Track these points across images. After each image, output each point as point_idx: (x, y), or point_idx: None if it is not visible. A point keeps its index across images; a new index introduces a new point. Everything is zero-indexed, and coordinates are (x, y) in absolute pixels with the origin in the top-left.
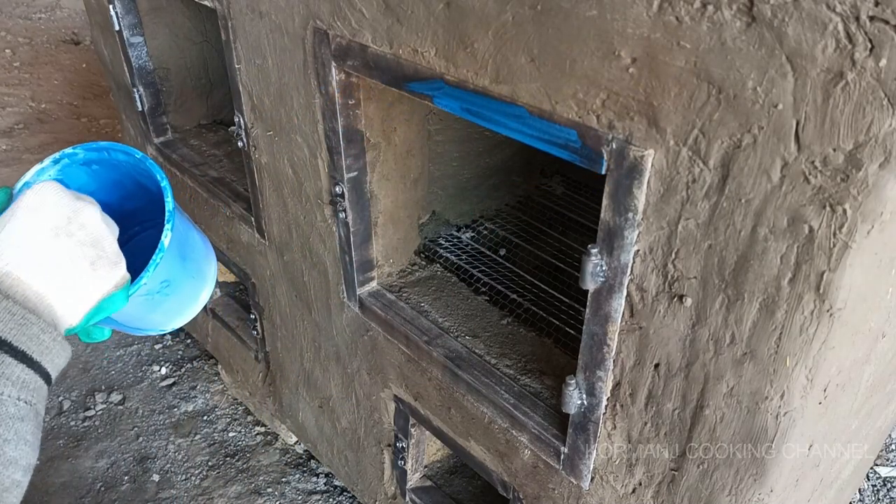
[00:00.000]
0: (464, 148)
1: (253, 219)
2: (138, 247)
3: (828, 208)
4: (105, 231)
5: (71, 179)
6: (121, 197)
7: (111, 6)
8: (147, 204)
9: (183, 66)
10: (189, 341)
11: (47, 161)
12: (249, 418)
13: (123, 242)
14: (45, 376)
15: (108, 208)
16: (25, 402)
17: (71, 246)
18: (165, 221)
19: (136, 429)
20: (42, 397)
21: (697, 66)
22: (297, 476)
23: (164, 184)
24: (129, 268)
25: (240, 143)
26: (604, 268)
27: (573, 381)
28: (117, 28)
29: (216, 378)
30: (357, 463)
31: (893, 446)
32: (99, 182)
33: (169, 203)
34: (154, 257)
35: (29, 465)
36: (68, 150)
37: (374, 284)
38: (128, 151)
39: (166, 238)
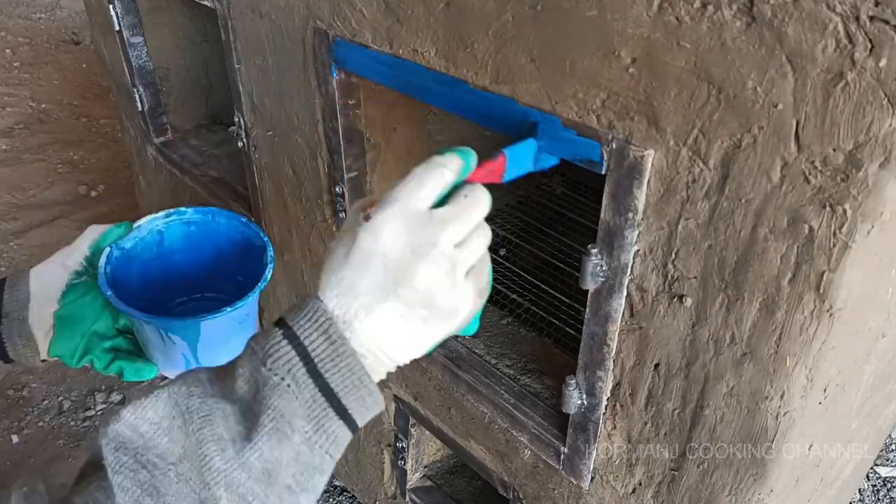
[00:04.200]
0: None
1: (253, 219)
2: (178, 313)
3: (828, 208)
4: (439, 286)
5: (170, 232)
6: (193, 261)
7: (111, 6)
8: (213, 274)
9: (183, 66)
10: None
11: (160, 214)
12: None
13: (171, 306)
14: (353, 432)
15: (178, 268)
16: (330, 457)
17: (402, 307)
18: (269, 262)
19: None
20: (340, 454)
21: (697, 66)
22: None
23: (265, 238)
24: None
25: (240, 143)
26: (604, 268)
27: (573, 381)
28: (117, 28)
29: None
30: (357, 463)
31: (893, 446)
32: (187, 243)
33: (270, 249)
34: (260, 284)
35: None
36: (181, 209)
37: None
38: (231, 216)
39: (269, 273)
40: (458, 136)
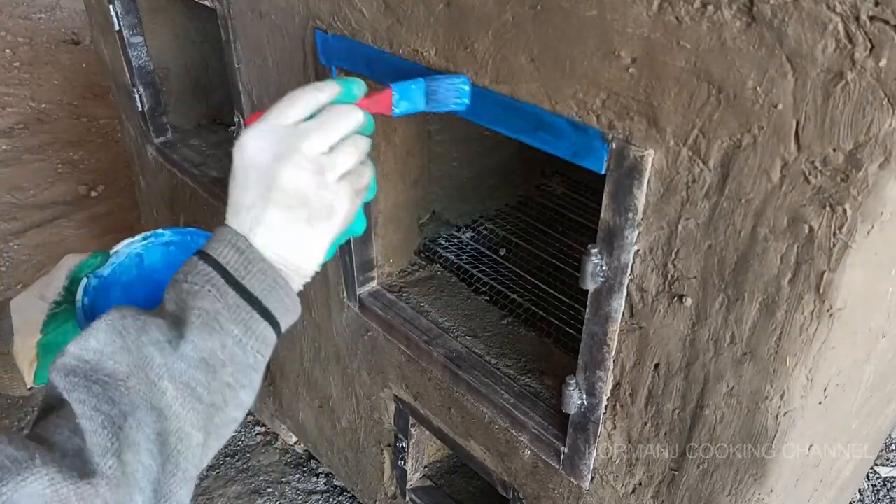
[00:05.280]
0: (464, 148)
1: None
2: None
3: (828, 208)
4: (307, 186)
5: (149, 254)
6: None
7: (111, 6)
8: None
9: (183, 66)
10: None
11: (138, 237)
12: (249, 418)
13: None
14: (278, 334)
15: (161, 287)
16: (262, 356)
17: (282, 212)
18: None
19: None
20: (270, 352)
21: (697, 66)
22: (297, 476)
23: None
24: None
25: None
26: (604, 268)
27: (573, 381)
28: (117, 28)
29: None
30: (357, 463)
31: (893, 446)
32: (167, 261)
33: None
34: None
35: (248, 406)
36: (158, 230)
37: (374, 284)
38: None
39: None
40: (458, 135)
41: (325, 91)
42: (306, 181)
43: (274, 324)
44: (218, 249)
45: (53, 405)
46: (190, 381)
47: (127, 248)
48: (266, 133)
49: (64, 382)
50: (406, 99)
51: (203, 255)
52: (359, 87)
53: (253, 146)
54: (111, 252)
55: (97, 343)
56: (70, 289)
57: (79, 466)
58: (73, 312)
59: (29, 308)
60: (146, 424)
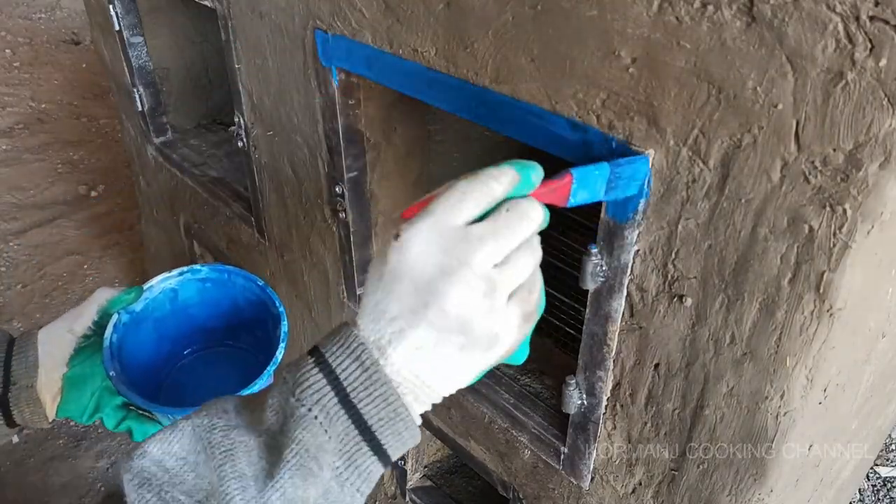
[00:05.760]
0: (464, 148)
1: (253, 219)
2: (188, 365)
3: (828, 208)
4: (472, 310)
5: (184, 289)
6: (210, 315)
7: (111, 6)
8: (230, 326)
9: (183, 66)
10: None
11: (174, 272)
12: None
13: (185, 354)
14: (387, 466)
15: (194, 321)
16: (361, 494)
17: (430, 336)
18: (281, 339)
19: None
20: (371, 488)
21: (697, 66)
22: None
23: (282, 309)
24: (173, 383)
25: (240, 143)
26: (604, 268)
27: (573, 381)
28: (117, 28)
29: None
30: None
31: (893, 446)
32: (203, 298)
33: (285, 325)
34: (269, 367)
35: None
36: (195, 266)
37: None
38: (248, 277)
39: (280, 354)
40: (458, 135)
41: (502, 182)
42: (474, 306)
43: (383, 457)
44: (339, 357)
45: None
46: None
47: (161, 283)
48: (433, 237)
49: (135, 495)
50: (584, 188)
51: (319, 359)
52: (537, 173)
53: (417, 251)
54: (145, 287)
55: (181, 450)
56: (100, 322)
57: None
58: (101, 347)
59: (56, 340)
60: None
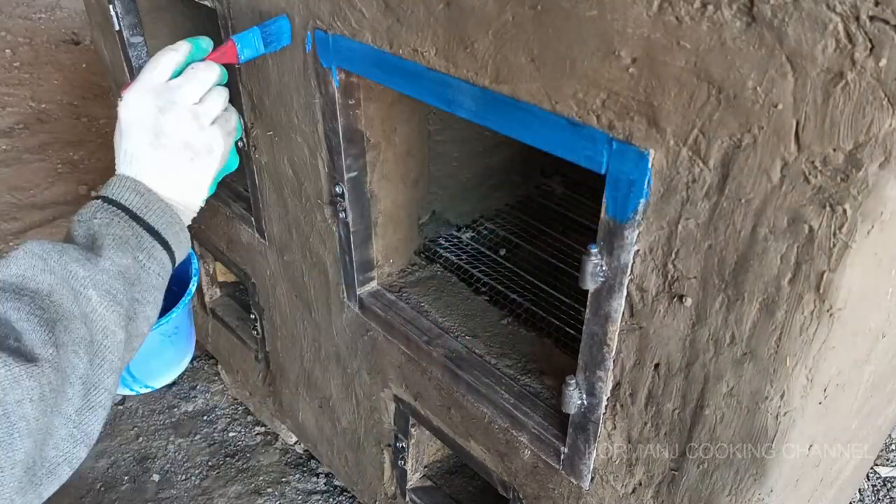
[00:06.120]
0: (464, 148)
1: (253, 219)
2: None
3: (828, 208)
4: (188, 131)
5: None
6: None
7: (111, 6)
8: None
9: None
10: None
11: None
12: (249, 418)
13: None
14: (173, 262)
15: None
16: (162, 278)
17: (168, 156)
18: (193, 274)
19: (135, 429)
20: (168, 276)
21: (697, 66)
22: (297, 476)
23: (190, 249)
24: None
25: (240, 143)
26: (604, 268)
27: (573, 381)
28: (117, 28)
29: (216, 378)
30: (357, 463)
31: (893, 446)
32: None
33: (195, 261)
34: (184, 298)
35: (152, 323)
36: None
37: (374, 284)
38: None
39: (193, 286)
40: (458, 135)
41: (180, 50)
42: (187, 126)
43: (170, 253)
44: (119, 193)
45: None
46: (111, 289)
47: None
48: (145, 91)
49: None
50: (248, 46)
51: (105, 199)
52: (206, 42)
53: (137, 103)
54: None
55: (17, 269)
56: None
57: (25, 353)
58: None
59: None
60: (73, 330)
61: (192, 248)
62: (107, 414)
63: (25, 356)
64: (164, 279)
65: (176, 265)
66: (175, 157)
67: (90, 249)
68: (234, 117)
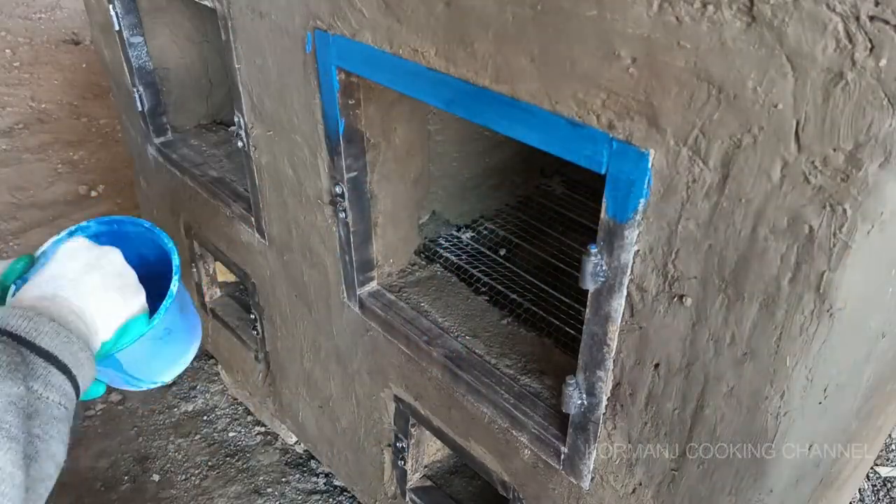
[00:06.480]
0: (464, 148)
1: (253, 219)
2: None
3: (828, 208)
4: (127, 267)
5: None
6: None
7: (111, 6)
8: (143, 276)
9: (183, 66)
10: None
11: (63, 233)
12: (249, 418)
13: None
14: (77, 388)
15: None
16: (65, 408)
17: (101, 276)
18: (174, 273)
19: (135, 429)
20: (73, 406)
21: (697, 66)
22: (297, 476)
23: (171, 245)
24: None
25: (240, 143)
26: (604, 268)
27: (573, 381)
28: (117, 28)
29: (216, 378)
30: (357, 463)
31: (893, 446)
32: None
33: (176, 259)
34: (165, 302)
35: (60, 463)
36: (82, 224)
37: (374, 284)
38: (136, 223)
39: (174, 287)
40: (458, 135)
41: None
42: (125, 266)
43: (71, 378)
44: (4, 320)
45: None
46: (2, 425)
47: (52, 246)
48: (88, 245)
49: None
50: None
51: None
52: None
53: (81, 249)
54: (36, 254)
55: None
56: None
57: None
58: None
59: None
60: None
61: (193, 247)
62: None
63: None
64: (68, 409)
65: (81, 391)
66: (107, 280)
67: None
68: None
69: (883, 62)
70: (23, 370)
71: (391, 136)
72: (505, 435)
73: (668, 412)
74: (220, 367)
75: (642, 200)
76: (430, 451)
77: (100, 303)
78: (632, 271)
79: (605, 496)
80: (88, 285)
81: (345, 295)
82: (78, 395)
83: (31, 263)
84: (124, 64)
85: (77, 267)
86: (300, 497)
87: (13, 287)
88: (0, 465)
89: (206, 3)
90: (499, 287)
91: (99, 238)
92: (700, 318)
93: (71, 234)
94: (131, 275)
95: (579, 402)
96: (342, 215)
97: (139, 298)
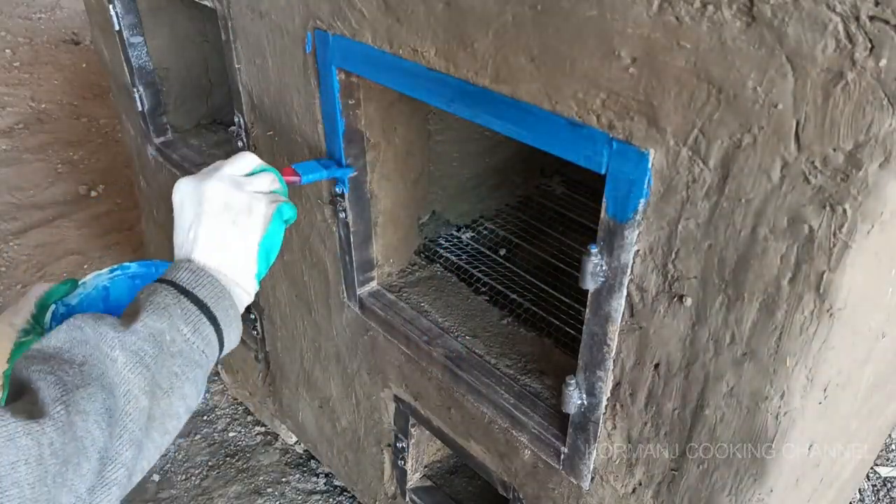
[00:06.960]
0: (464, 148)
1: None
2: None
3: (828, 208)
4: (228, 196)
5: (115, 287)
6: None
7: (111, 6)
8: None
9: (183, 66)
10: None
11: (105, 270)
12: (249, 418)
13: None
14: (221, 345)
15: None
16: (206, 356)
17: (214, 225)
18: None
19: None
20: (214, 357)
21: (697, 66)
22: (297, 476)
23: None
24: None
25: (240, 143)
26: (604, 268)
27: (573, 381)
28: (117, 28)
29: (216, 378)
30: (357, 463)
31: (893, 446)
32: (133, 295)
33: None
34: None
35: (191, 407)
36: (125, 264)
37: (374, 284)
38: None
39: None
40: (458, 135)
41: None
42: (225, 189)
43: (218, 331)
44: (171, 273)
45: (16, 390)
46: (138, 351)
47: (94, 279)
48: (190, 177)
49: (24, 363)
50: (309, 173)
51: (159, 279)
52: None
53: (182, 186)
54: (80, 282)
55: (57, 342)
56: (38, 317)
57: (29, 410)
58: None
59: None
60: (96, 398)
61: None
62: (122, 493)
63: (29, 413)
64: (209, 358)
65: (224, 350)
66: (216, 220)
67: (131, 316)
68: (281, 199)
69: (883, 62)
70: (174, 311)
71: (391, 136)
72: (505, 435)
73: (668, 412)
74: (220, 366)
75: (642, 200)
76: (429, 451)
77: (227, 250)
78: (632, 271)
79: (605, 496)
80: (209, 238)
81: (345, 295)
82: (220, 350)
83: (74, 287)
84: (124, 64)
85: (189, 220)
86: (300, 497)
87: (53, 307)
88: (129, 387)
89: (206, 3)
90: (499, 287)
91: (134, 280)
92: (700, 318)
93: (112, 272)
94: (234, 198)
95: (579, 402)
96: (342, 215)
97: (255, 216)
